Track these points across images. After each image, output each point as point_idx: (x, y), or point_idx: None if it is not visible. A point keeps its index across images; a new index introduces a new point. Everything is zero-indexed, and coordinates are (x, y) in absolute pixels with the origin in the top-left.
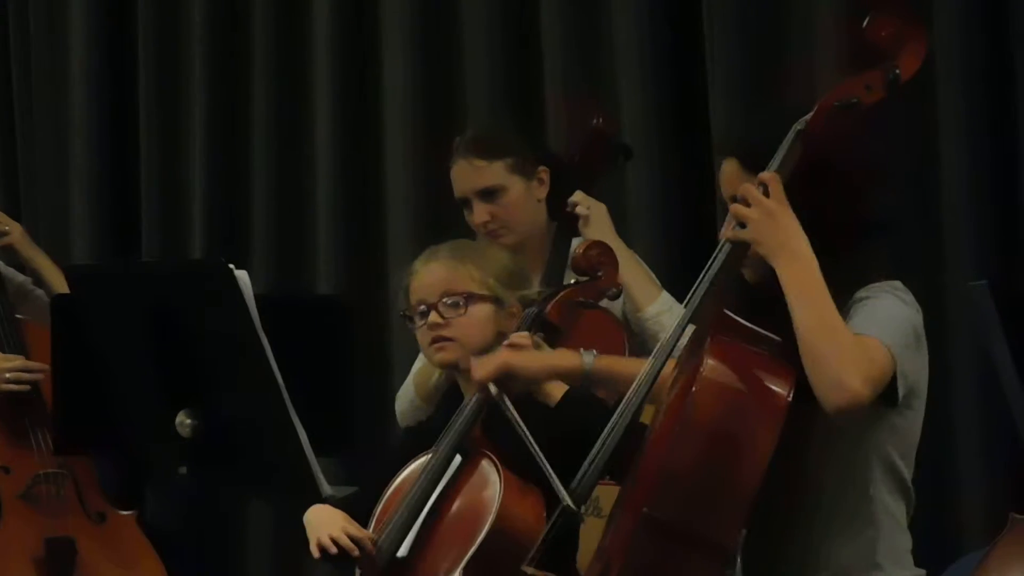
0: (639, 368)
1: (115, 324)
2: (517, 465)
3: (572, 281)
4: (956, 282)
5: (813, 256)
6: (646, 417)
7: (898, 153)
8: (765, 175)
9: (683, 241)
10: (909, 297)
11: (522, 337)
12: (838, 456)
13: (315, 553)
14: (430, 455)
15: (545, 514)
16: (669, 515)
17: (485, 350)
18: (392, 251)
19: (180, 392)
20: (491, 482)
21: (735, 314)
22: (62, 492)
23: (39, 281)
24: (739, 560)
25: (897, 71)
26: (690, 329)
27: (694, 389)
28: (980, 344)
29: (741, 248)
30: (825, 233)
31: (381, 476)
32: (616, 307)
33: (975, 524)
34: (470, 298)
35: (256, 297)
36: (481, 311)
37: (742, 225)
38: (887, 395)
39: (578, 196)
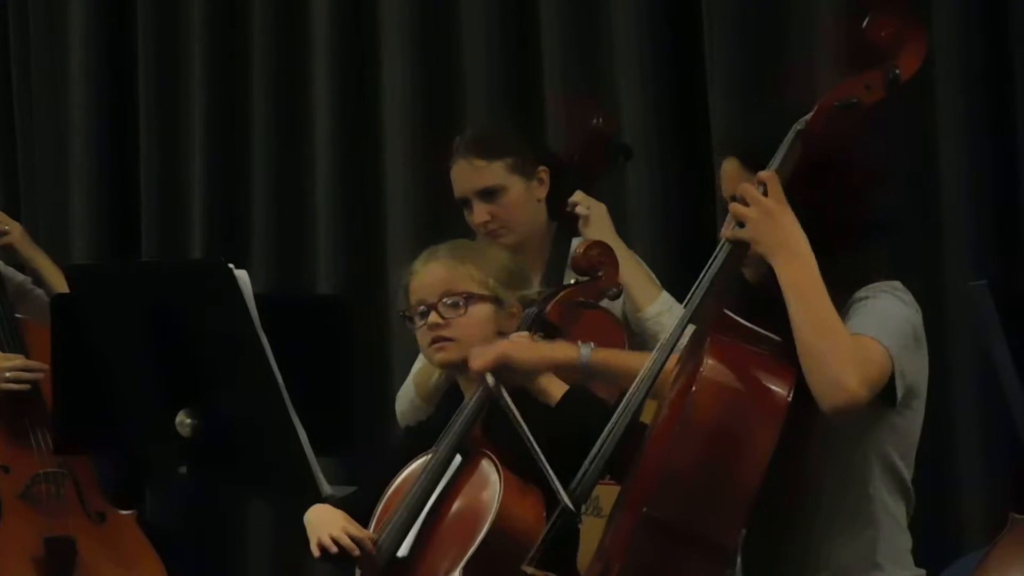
0: (637, 361)
1: (115, 324)
2: (517, 465)
3: (572, 281)
4: (956, 282)
5: (812, 255)
6: (647, 415)
7: (898, 153)
8: (764, 174)
9: (683, 241)
10: (909, 297)
11: (522, 337)
12: (838, 456)
13: (315, 553)
14: (430, 455)
15: (545, 514)
16: (669, 515)
17: None
18: (392, 251)
19: (180, 392)
20: (491, 482)
21: (735, 314)
22: (62, 492)
23: (39, 281)
24: (739, 560)
25: (897, 71)
26: (690, 329)
27: (694, 389)
28: (980, 344)
29: (741, 248)
30: (825, 233)
31: (381, 476)
32: (616, 307)
33: (975, 524)
34: (470, 298)
35: (256, 297)
36: (481, 311)
37: (741, 224)
38: (886, 395)
39: (578, 196)
